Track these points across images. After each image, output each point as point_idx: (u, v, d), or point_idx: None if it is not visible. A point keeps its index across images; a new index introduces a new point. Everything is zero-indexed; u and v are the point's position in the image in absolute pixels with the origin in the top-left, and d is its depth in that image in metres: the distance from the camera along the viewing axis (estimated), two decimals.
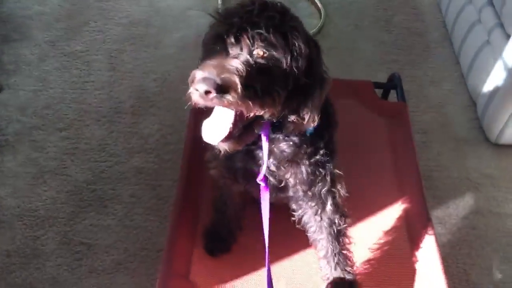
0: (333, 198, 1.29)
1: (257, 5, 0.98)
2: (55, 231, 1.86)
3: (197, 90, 0.90)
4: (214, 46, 0.99)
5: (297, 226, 1.39)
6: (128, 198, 1.98)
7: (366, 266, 1.53)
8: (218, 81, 0.89)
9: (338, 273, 1.39)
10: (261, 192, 1.18)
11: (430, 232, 1.64)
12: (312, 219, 1.33)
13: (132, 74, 2.49)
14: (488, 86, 2.26)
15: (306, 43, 1.01)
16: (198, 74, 0.90)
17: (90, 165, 2.08)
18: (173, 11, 2.86)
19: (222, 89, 0.89)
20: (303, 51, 0.99)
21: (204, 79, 0.89)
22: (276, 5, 1.02)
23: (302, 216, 1.34)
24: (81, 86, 2.41)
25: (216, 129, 0.99)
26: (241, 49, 0.96)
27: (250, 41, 0.94)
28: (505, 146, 2.27)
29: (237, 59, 0.94)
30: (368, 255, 1.55)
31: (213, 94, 0.89)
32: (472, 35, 2.49)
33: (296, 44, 0.98)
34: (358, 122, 2.03)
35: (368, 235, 1.62)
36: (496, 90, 2.19)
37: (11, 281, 1.72)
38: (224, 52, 0.97)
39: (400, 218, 1.70)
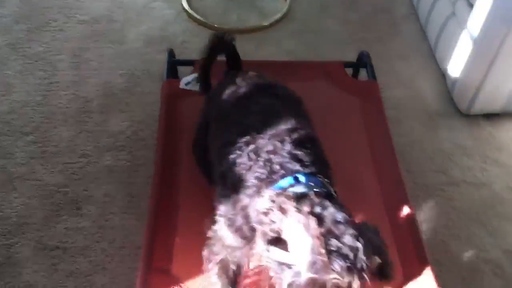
0: None
1: None
2: (29, 237, 1.81)
3: None
4: None
5: None
6: (101, 198, 1.94)
7: None
8: None
9: None
10: None
11: (408, 207, 1.65)
12: None
13: (98, 71, 2.44)
14: (455, 58, 2.27)
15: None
16: None
17: (61, 167, 2.03)
18: (136, 4, 2.80)
19: None
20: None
21: None
22: None
23: None
24: (45, 88, 2.34)
25: None
26: None
27: None
28: (476, 116, 2.29)
29: None
30: None
31: None
32: (437, 8, 2.49)
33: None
34: (331, 103, 2.03)
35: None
36: (463, 61, 2.20)
37: None
38: None
39: (378, 198, 1.71)
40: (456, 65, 2.26)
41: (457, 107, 2.31)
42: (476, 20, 2.08)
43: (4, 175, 2.00)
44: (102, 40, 2.59)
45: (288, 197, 0.99)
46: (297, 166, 1.13)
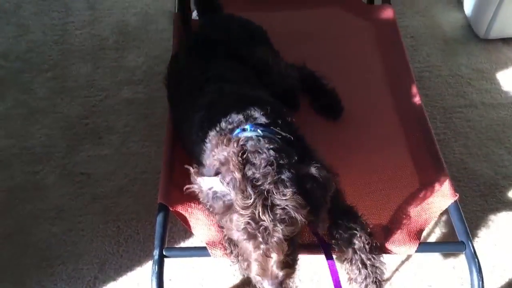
0: None
1: (269, 218, 1.03)
2: (53, 165, 1.86)
3: None
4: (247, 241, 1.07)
5: None
6: (122, 128, 1.98)
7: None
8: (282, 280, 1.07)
9: None
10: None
11: (426, 127, 1.64)
12: None
13: (112, 11, 2.44)
14: None
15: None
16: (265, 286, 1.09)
17: (80, 101, 2.07)
18: None
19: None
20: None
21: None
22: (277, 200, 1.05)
23: None
24: (61, 28, 2.36)
25: None
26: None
27: (278, 248, 1.04)
28: (494, 40, 2.26)
29: (280, 257, 1.05)
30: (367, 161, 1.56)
31: None
32: None
33: (304, 214, 1.06)
34: (346, 30, 2.02)
35: (367, 140, 1.64)
36: None
37: (15, 214, 1.73)
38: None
39: (395, 116, 1.71)
40: None
41: (475, 33, 2.28)
42: None
43: (26, 109, 2.04)
44: None
45: (222, 137, 1.15)
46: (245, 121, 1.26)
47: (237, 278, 1.59)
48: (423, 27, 2.35)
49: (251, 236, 1.05)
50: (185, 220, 1.45)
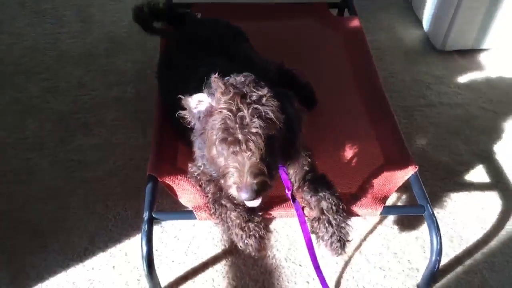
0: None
1: (247, 110, 1.18)
2: (46, 153, 1.98)
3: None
4: (224, 144, 1.20)
5: None
6: (111, 122, 2.12)
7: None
8: (256, 189, 1.20)
9: None
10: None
11: (390, 114, 1.84)
12: None
13: (102, 23, 2.63)
14: (430, 4, 2.50)
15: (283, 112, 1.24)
16: (242, 195, 1.21)
17: (72, 98, 2.21)
18: None
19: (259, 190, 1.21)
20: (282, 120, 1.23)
21: (246, 198, 1.21)
22: (254, 96, 1.21)
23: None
24: (54, 37, 2.53)
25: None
26: (251, 150, 1.18)
27: (255, 145, 1.18)
28: (450, 52, 2.51)
29: (255, 159, 1.19)
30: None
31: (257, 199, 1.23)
32: None
33: (279, 118, 1.22)
34: (318, 37, 2.25)
35: (338, 126, 1.83)
36: (435, 4, 2.44)
37: (9, 194, 1.83)
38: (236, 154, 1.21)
39: (363, 111, 1.91)
40: (430, 8, 2.49)
41: (433, 45, 2.54)
42: None
43: (21, 105, 2.17)
44: None
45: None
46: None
47: (219, 248, 1.71)
48: (387, 41, 2.60)
49: (228, 134, 1.18)
50: (172, 190, 1.58)
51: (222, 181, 1.27)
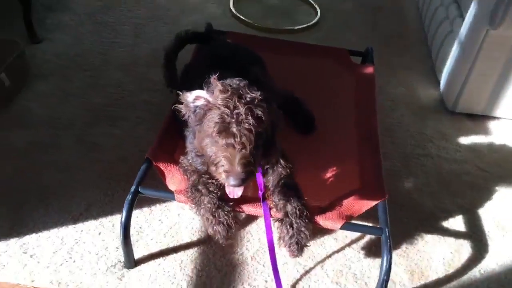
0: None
1: (243, 108, 1.39)
2: (72, 133, 2.27)
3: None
4: (219, 136, 1.40)
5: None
6: (134, 119, 2.40)
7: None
8: (243, 178, 1.39)
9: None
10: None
11: (377, 149, 1.99)
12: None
13: (151, 40, 2.98)
14: (448, 64, 2.66)
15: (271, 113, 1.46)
16: (231, 181, 1.40)
17: (106, 94, 2.52)
18: (191, 1, 3.39)
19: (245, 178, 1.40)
20: (270, 120, 1.47)
21: (234, 184, 1.40)
22: (248, 97, 1.41)
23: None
24: (108, 45, 2.90)
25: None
26: (243, 144, 1.40)
27: (247, 139, 1.38)
28: (460, 114, 2.64)
29: (245, 151, 1.38)
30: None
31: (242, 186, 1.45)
32: (440, 30, 2.92)
33: (267, 119, 1.44)
34: (331, 74, 2.46)
35: (326, 147, 2.01)
36: (451, 64, 2.59)
37: (31, 159, 2.11)
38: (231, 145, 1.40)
39: (354, 140, 2.07)
40: (447, 69, 2.65)
41: (445, 105, 2.67)
42: (463, 27, 2.49)
43: (62, 92, 2.51)
44: (159, 21, 3.16)
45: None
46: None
47: (196, 237, 1.88)
48: (404, 95, 2.76)
49: (224, 128, 1.37)
50: (162, 174, 1.80)
51: (212, 168, 1.46)
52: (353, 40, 3.20)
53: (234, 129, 1.38)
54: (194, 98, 1.50)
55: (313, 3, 3.48)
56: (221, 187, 1.61)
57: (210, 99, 1.44)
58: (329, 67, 2.51)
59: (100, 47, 2.87)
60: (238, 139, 1.38)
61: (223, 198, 1.62)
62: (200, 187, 1.64)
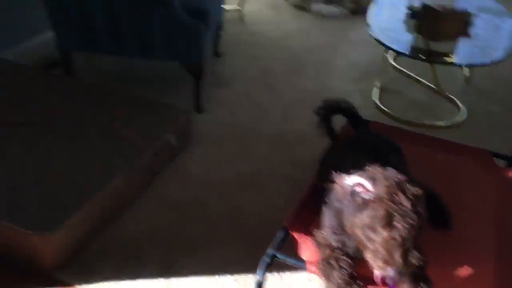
0: None
1: (408, 203, 1.44)
2: (219, 194, 2.55)
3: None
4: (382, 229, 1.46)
5: None
6: (274, 188, 2.62)
7: None
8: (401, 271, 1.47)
9: None
10: None
11: None
12: None
13: (297, 122, 3.25)
14: None
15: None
16: (389, 272, 1.47)
17: (253, 164, 2.80)
18: (341, 88, 3.64)
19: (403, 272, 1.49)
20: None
21: (392, 276, 1.48)
22: (410, 193, 1.47)
23: None
24: (257, 121, 3.25)
25: None
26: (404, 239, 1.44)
27: (409, 235, 1.44)
28: None
29: (407, 245, 1.45)
30: None
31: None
32: None
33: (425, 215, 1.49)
34: (469, 177, 2.41)
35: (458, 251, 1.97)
36: None
37: (187, 212, 2.41)
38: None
39: (491, 252, 1.99)
40: None
41: None
42: None
43: (216, 157, 2.85)
44: (305, 105, 3.41)
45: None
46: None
47: None
48: None
49: (388, 221, 1.43)
50: (296, 243, 1.94)
51: (368, 255, 1.53)
52: (497, 143, 3.13)
53: (398, 224, 1.44)
54: (354, 184, 1.56)
55: (457, 101, 3.52)
56: (352, 265, 1.70)
57: (373, 190, 1.51)
58: (469, 166, 2.50)
59: (251, 123, 3.22)
60: (402, 234, 1.44)
61: (353, 276, 1.71)
62: (332, 262, 1.73)
